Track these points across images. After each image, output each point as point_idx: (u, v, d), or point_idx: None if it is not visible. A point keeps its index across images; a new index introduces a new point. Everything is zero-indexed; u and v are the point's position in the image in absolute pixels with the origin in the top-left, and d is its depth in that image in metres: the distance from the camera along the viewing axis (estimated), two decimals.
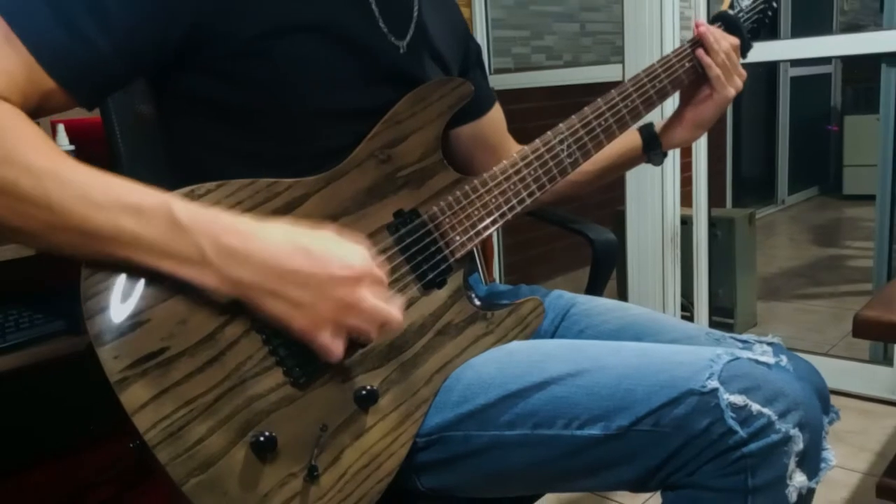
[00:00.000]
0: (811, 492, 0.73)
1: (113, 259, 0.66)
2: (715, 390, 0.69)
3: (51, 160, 0.64)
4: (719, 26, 1.04)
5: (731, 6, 1.05)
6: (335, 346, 0.69)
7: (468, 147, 1.05)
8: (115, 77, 0.73)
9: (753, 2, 1.06)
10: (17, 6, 0.67)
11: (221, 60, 0.76)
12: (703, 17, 2.24)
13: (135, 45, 0.71)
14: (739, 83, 1.01)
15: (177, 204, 0.66)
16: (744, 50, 1.04)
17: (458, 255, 0.83)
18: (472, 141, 1.05)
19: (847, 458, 1.83)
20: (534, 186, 0.88)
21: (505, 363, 0.80)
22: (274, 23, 0.76)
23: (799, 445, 0.70)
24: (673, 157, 2.34)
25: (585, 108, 0.92)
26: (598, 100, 0.93)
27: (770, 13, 1.10)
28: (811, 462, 0.72)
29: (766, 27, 1.10)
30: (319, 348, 0.69)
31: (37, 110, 0.69)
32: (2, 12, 0.66)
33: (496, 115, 1.09)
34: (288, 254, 0.67)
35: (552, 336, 0.98)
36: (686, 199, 2.38)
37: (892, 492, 1.06)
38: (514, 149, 1.07)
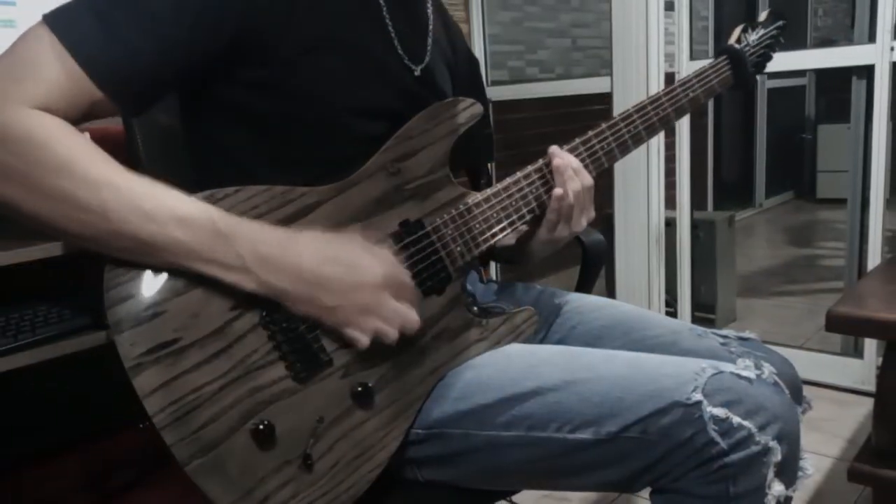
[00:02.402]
0: (789, 500, 0.74)
1: (162, 263, 0.67)
2: (699, 403, 0.69)
3: (106, 171, 0.65)
4: (725, 60, 1.00)
5: (739, 41, 1.03)
6: (361, 341, 0.72)
7: None
8: (159, 87, 0.73)
9: (760, 37, 1.04)
10: (66, 19, 0.67)
11: (255, 72, 0.75)
12: (685, 33, 2.24)
13: (180, 56, 0.71)
14: (576, 230, 0.87)
15: (219, 215, 0.67)
16: (746, 84, 1.01)
17: (457, 265, 0.82)
18: None
19: (820, 445, 1.83)
20: (534, 204, 0.87)
21: (503, 366, 0.80)
22: (308, 39, 0.76)
23: (777, 457, 0.70)
24: (658, 163, 2.34)
25: (589, 132, 0.90)
26: (602, 123, 0.91)
27: (776, 48, 1.06)
28: (789, 472, 0.72)
29: (770, 60, 1.06)
30: (347, 340, 0.72)
31: (84, 119, 0.69)
32: (51, 26, 0.66)
33: None
34: (318, 262, 0.69)
35: (547, 331, 0.98)
36: (670, 202, 2.38)
37: (863, 476, 1.06)
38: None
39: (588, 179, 0.87)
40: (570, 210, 0.86)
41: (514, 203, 0.86)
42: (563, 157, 0.86)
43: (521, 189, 0.86)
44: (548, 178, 0.87)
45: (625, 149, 0.92)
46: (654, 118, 0.93)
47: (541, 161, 0.88)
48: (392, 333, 0.73)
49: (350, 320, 0.71)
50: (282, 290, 0.69)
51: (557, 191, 0.85)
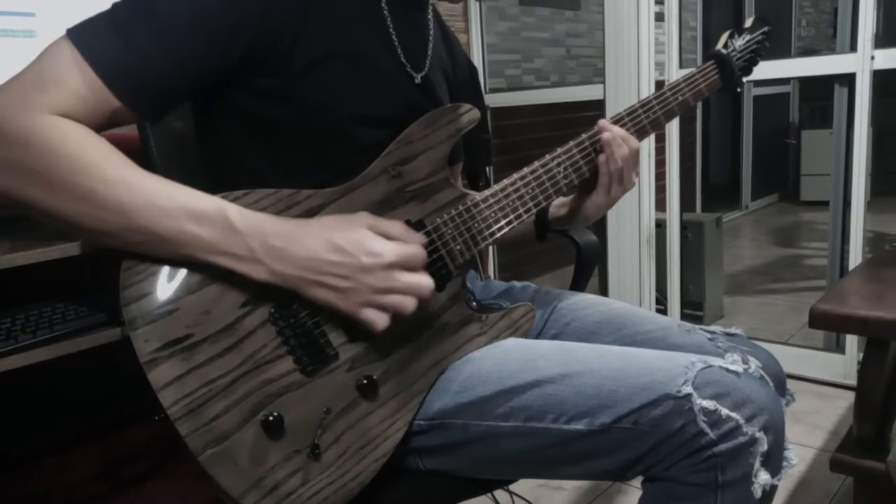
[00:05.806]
0: (774, 488, 0.74)
1: (177, 256, 0.68)
2: (689, 395, 0.70)
3: (122, 171, 0.66)
4: (713, 64, 1.00)
5: (725, 46, 1.02)
6: (379, 321, 0.71)
7: None
8: (175, 96, 0.73)
9: (746, 42, 1.04)
10: (86, 32, 0.67)
11: (266, 81, 0.75)
12: (674, 43, 2.24)
13: (195, 67, 0.71)
14: (628, 187, 0.92)
15: (231, 209, 0.68)
16: (734, 86, 1.02)
17: (457, 263, 0.83)
18: None
19: (804, 436, 1.83)
20: (531, 203, 0.87)
21: (502, 360, 0.80)
22: (318, 50, 0.76)
23: (763, 447, 0.70)
24: (648, 167, 2.34)
25: (582, 134, 0.91)
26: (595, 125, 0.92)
27: (762, 53, 1.06)
28: (774, 461, 0.73)
29: (756, 65, 1.06)
30: (364, 323, 0.71)
31: (105, 126, 0.69)
32: (72, 39, 0.67)
33: None
34: (325, 249, 0.69)
35: (542, 327, 0.98)
36: (660, 204, 2.39)
37: (844, 466, 1.06)
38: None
39: (625, 149, 0.90)
40: (620, 172, 0.89)
41: (511, 203, 0.86)
42: (611, 129, 0.89)
43: (517, 189, 0.86)
44: (546, 183, 0.87)
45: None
46: (644, 121, 0.94)
47: (536, 163, 0.88)
48: (409, 305, 0.72)
49: (364, 301, 0.70)
50: (293, 278, 0.69)
51: (602, 157, 0.89)
